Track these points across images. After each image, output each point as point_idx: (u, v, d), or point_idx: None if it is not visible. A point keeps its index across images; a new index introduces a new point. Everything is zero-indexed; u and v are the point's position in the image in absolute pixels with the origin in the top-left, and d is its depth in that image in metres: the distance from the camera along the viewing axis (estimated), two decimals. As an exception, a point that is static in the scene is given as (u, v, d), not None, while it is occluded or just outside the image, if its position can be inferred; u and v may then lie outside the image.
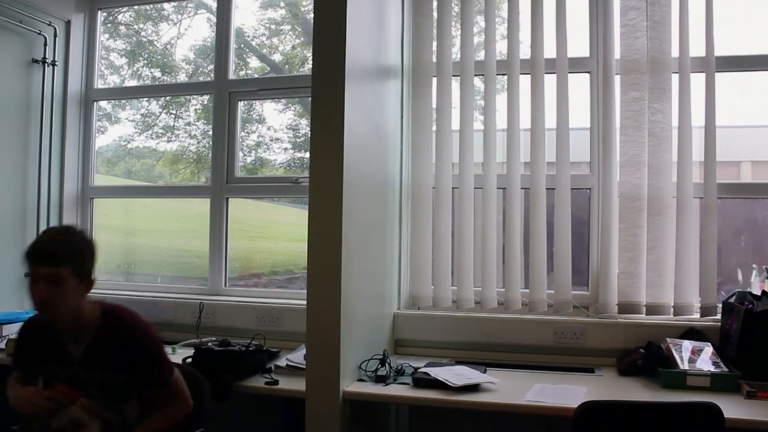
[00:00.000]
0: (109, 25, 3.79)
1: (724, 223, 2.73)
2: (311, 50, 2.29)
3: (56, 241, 1.81)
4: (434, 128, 2.87)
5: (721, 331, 2.42)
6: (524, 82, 2.74)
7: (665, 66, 2.59)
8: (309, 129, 2.46)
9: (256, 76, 3.57)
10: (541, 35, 2.72)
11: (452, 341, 2.73)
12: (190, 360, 2.38)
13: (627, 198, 2.61)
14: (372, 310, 2.58)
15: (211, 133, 3.37)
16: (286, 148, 3.58)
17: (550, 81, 2.70)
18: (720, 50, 2.54)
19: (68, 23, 3.45)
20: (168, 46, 3.76)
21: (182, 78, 3.68)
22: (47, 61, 3.32)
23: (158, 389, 1.91)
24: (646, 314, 2.58)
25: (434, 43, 2.89)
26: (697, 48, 2.56)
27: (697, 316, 2.54)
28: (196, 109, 3.67)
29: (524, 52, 2.77)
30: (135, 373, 1.84)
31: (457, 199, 2.81)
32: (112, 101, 3.71)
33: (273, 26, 3.66)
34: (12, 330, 2.79)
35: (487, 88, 2.81)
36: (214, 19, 3.41)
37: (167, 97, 3.68)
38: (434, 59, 2.89)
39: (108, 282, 3.52)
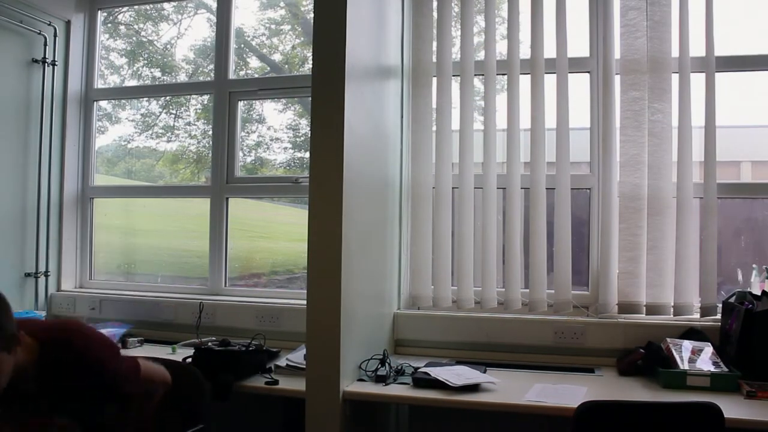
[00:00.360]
0: (109, 25, 3.79)
1: (724, 223, 2.73)
2: (311, 50, 2.29)
3: None
4: (434, 128, 2.87)
5: (721, 331, 2.42)
6: (524, 82, 2.74)
7: (665, 66, 2.59)
8: (309, 129, 2.46)
9: (256, 76, 3.57)
10: (541, 35, 2.72)
11: (452, 341, 2.73)
12: (190, 360, 2.38)
13: (627, 198, 2.61)
14: (372, 310, 2.58)
15: (211, 133, 3.37)
16: (286, 148, 3.58)
17: (550, 81, 2.70)
18: (720, 50, 2.54)
19: (68, 23, 3.45)
20: (168, 46, 3.77)
21: (182, 78, 3.68)
22: (47, 61, 3.32)
23: (126, 397, 1.83)
24: (646, 314, 2.58)
25: (434, 43, 2.89)
26: (697, 48, 2.56)
27: (697, 316, 2.54)
28: (196, 109, 3.67)
29: (524, 52, 2.77)
30: (94, 392, 1.75)
31: (457, 199, 2.82)
32: (112, 101, 3.71)
33: (273, 26, 3.66)
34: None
35: (487, 88, 2.81)
36: (214, 19, 3.41)
37: (167, 97, 3.68)
38: (434, 59, 2.89)
39: (108, 282, 3.52)
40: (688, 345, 2.33)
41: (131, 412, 1.85)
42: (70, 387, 1.72)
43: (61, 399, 1.73)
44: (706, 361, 2.24)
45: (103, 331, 2.70)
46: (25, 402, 1.73)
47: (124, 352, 2.16)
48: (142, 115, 3.75)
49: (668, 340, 2.36)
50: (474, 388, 2.15)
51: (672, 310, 2.56)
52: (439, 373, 2.24)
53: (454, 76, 2.86)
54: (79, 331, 1.80)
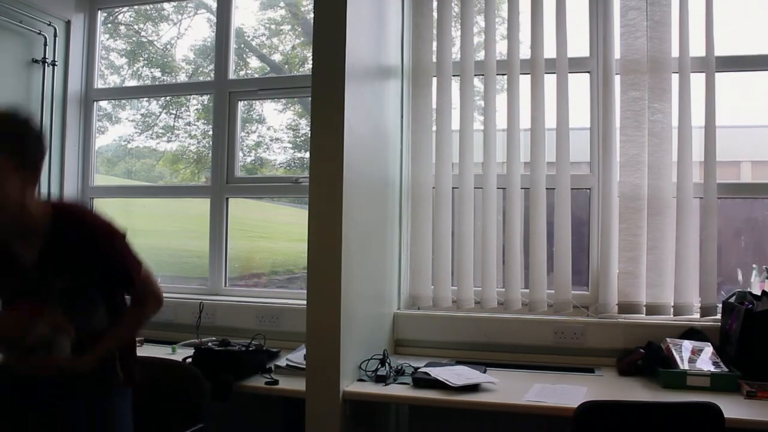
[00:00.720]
0: (109, 25, 3.79)
1: (724, 223, 2.73)
2: (311, 50, 2.29)
3: None
4: (434, 128, 2.87)
5: (721, 331, 2.42)
6: (524, 82, 2.74)
7: (665, 66, 2.59)
8: (309, 129, 2.46)
9: (256, 76, 3.57)
10: (541, 35, 2.71)
11: (452, 341, 2.73)
12: (190, 360, 2.38)
13: (627, 198, 2.61)
14: (372, 310, 2.58)
15: (211, 133, 3.37)
16: (286, 148, 3.58)
17: (550, 81, 2.69)
18: (720, 50, 2.54)
19: (68, 23, 3.45)
20: (168, 46, 3.77)
21: (182, 78, 3.68)
22: (47, 61, 3.32)
23: (126, 289, 1.76)
24: (646, 314, 2.58)
25: (434, 43, 2.89)
26: (697, 48, 2.56)
27: (697, 316, 2.53)
28: (196, 109, 3.67)
29: (524, 52, 2.77)
30: (99, 275, 1.67)
31: (457, 199, 2.81)
32: (112, 101, 3.71)
33: (273, 26, 3.66)
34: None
35: (487, 88, 2.81)
36: (214, 19, 3.41)
37: (167, 97, 3.69)
38: (434, 59, 2.88)
39: (108, 282, 3.52)
40: (688, 345, 2.33)
41: (121, 327, 1.76)
42: (76, 265, 1.63)
43: (60, 279, 1.63)
44: (706, 361, 2.24)
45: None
46: (22, 275, 1.64)
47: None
48: (142, 115, 3.75)
49: (668, 340, 2.36)
50: (474, 388, 2.15)
51: (672, 310, 2.56)
52: (439, 373, 2.24)
53: (454, 76, 2.86)
54: (92, 211, 1.75)
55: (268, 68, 3.64)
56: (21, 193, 1.57)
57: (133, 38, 3.80)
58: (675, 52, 2.59)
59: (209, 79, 3.44)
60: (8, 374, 1.69)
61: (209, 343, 2.57)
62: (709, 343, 2.34)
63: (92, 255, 1.64)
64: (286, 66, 3.63)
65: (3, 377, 1.69)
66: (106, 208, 3.59)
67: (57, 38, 3.37)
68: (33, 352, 1.59)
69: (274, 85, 3.35)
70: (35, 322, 1.58)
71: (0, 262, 1.65)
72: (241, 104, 3.35)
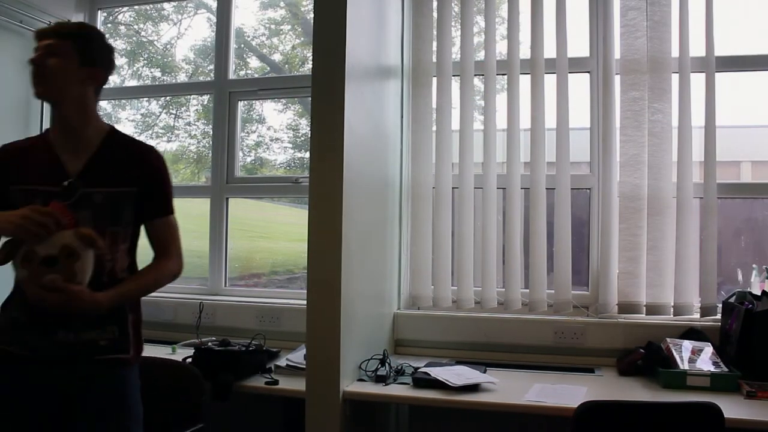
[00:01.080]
0: (109, 25, 3.79)
1: (724, 223, 2.73)
2: (311, 50, 2.29)
3: (62, 23, 1.81)
4: (434, 128, 2.87)
5: (721, 331, 2.42)
6: (524, 82, 2.74)
7: (665, 66, 2.59)
8: (309, 129, 2.46)
9: (256, 76, 3.57)
10: (541, 35, 2.71)
11: (452, 341, 2.73)
12: (190, 360, 2.38)
13: (627, 198, 2.61)
14: (372, 310, 2.58)
15: (211, 133, 3.37)
16: (286, 148, 3.58)
17: (550, 81, 2.69)
18: (720, 50, 2.54)
19: (68, 23, 3.45)
20: (168, 46, 3.77)
21: (182, 78, 3.68)
22: (47, 61, 3.32)
23: (158, 218, 1.77)
24: (646, 314, 2.58)
25: (434, 43, 2.89)
26: (697, 48, 2.56)
27: (697, 316, 2.53)
28: (196, 109, 3.67)
29: (524, 52, 2.77)
30: (138, 196, 1.70)
31: (457, 199, 2.81)
32: (113, 101, 3.71)
33: (273, 26, 3.66)
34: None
35: (487, 88, 2.81)
36: (214, 19, 3.41)
37: (167, 97, 3.69)
38: (434, 59, 2.88)
39: (108, 282, 3.52)
40: (688, 345, 2.33)
41: (141, 274, 1.74)
42: (119, 182, 1.68)
43: (100, 193, 1.65)
44: (706, 361, 2.24)
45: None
46: (61, 183, 1.64)
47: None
48: (142, 115, 3.76)
49: (668, 340, 2.36)
50: (474, 388, 2.15)
51: (672, 310, 2.56)
52: (439, 373, 2.24)
53: (454, 76, 2.86)
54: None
55: (268, 68, 3.64)
56: (84, 91, 1.68)
57: (133, 38, 3.80)
58: (675, 52, 2.59)
59: (209, 79, 3.44)
60: (23, 339, 1.64)
61: (209, 343, 2.57)
62: (709, 343, 2.34)
63: (138, 175, 1.72)
64: (286, 66, 3.64)
65: (5, 368, 1.65)
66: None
67: (57, 38, 3.36)
68: (52, 266, 1.49)
69: (274, 85, 3.35)
70: (60, 226, 1.51)
71: (43, 164, 1.67)
72: (241, 104, 3.35)
